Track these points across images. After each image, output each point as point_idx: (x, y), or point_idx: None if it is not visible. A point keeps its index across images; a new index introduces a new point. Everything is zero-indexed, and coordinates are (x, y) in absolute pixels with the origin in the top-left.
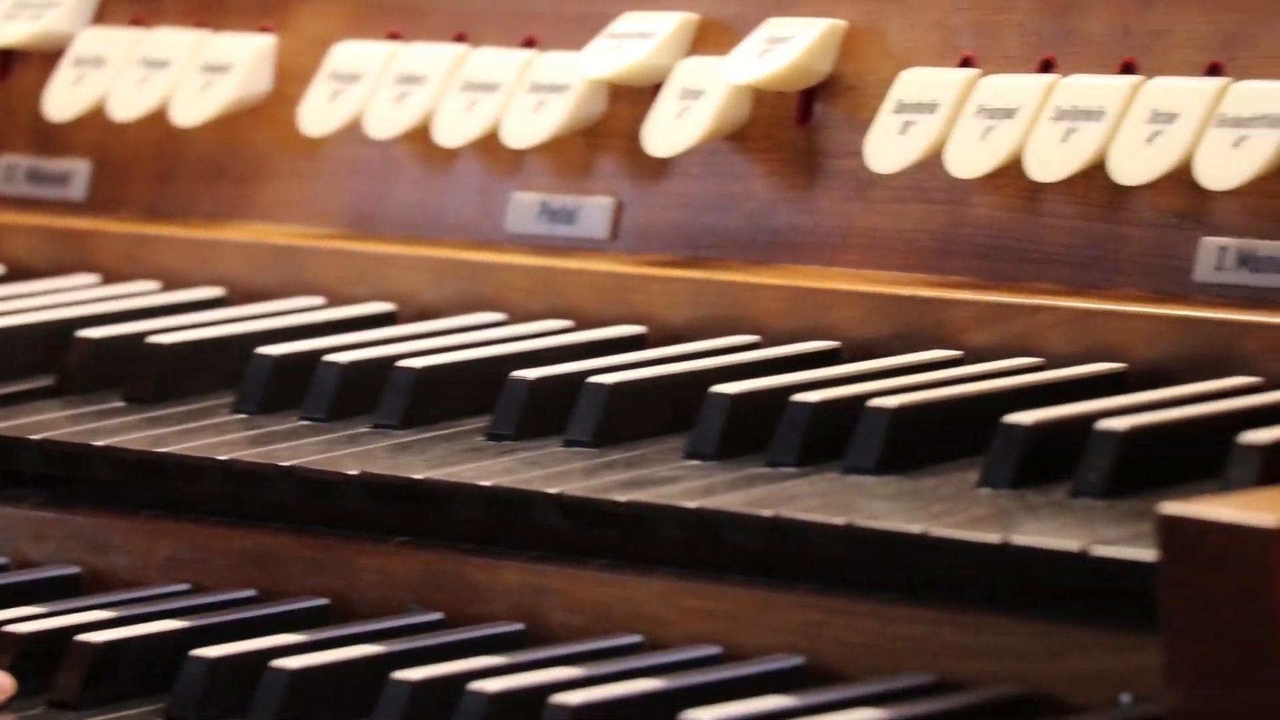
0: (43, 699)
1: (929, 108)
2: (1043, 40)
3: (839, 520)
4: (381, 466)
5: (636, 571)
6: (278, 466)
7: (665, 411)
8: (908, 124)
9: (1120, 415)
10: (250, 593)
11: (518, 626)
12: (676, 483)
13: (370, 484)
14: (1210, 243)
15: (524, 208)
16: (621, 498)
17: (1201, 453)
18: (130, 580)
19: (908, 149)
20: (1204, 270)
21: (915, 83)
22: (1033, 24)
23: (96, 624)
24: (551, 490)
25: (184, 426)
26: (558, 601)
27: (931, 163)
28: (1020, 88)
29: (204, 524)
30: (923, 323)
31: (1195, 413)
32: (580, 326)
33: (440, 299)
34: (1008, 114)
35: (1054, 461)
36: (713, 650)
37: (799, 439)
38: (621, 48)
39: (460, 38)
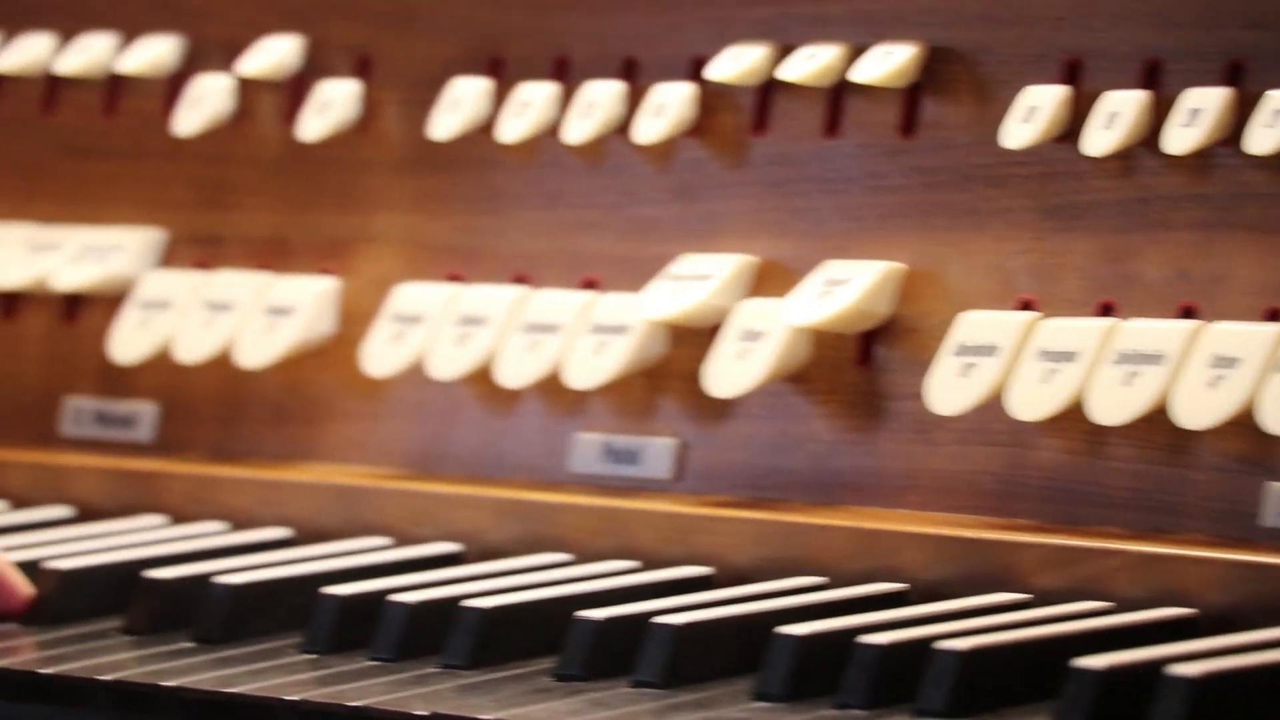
0: None
1: (989, 350)
2: (1101, 284)
3: None
4: (450, 707)
5: None
6: (346, 706)
7: (733, 653)
8: (968, 366)
9: (1192, 660)
10: None
11: None
12: None
13: None
14: (1277, 487)
15: (587, 448)
16: None
17: (1276, 700)
18: None
19: (969, 391)
20: (1272, 515)
21: (975, 325)
22: (1091, 268)
23: None
24: None
25: (252, 666)
26: None
27: (993, 405)
28: (1080, 331)
29: None
30: (989, 565)
31: (1268, 659)
32: (646, 567)
33: (505, 539)
34: (1068, 357)
35: (1125, 706)
36: None
37: (868, 681)
38: (681, 289)
39: (520, 279)
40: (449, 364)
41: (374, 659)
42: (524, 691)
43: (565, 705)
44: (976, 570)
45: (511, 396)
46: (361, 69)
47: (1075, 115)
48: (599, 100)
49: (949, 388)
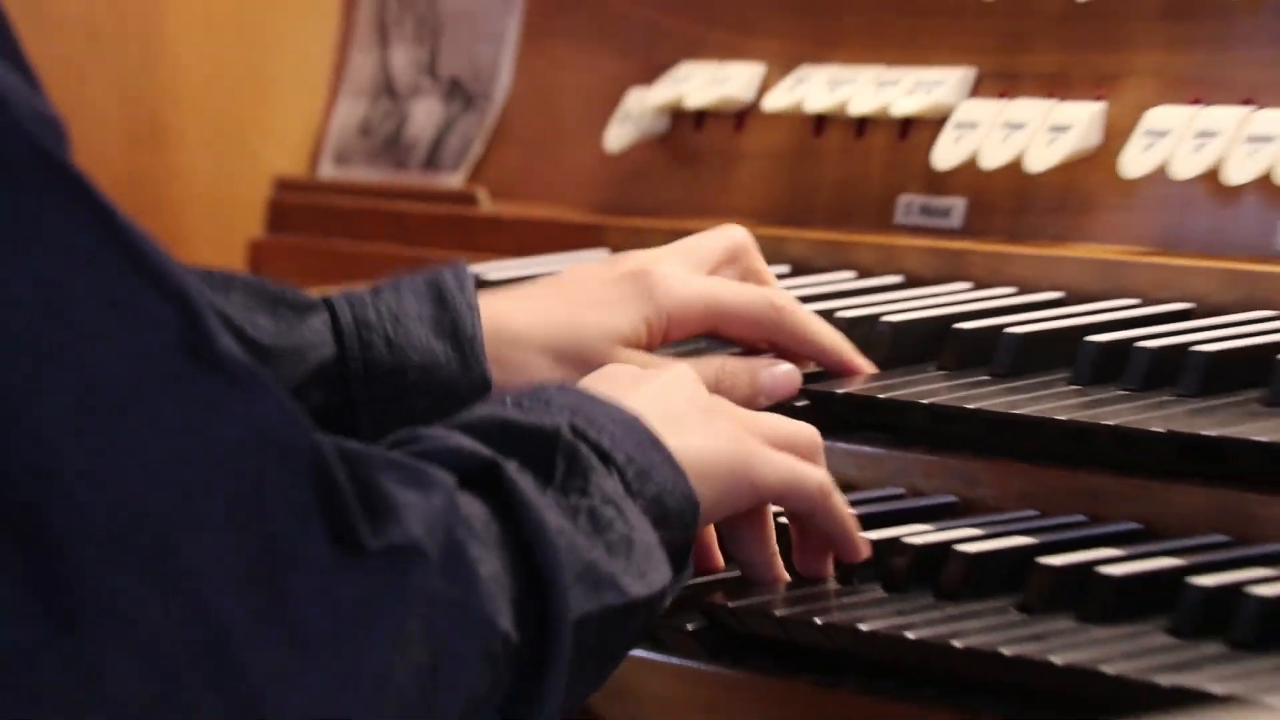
0: (930, 592)
1: None
2: None
3: None
4: (1181, 425)
5: None
6: (1103, 425)
7: None
8: None
9: None
10: (1079, 518)
11: None
12: None
13: (1174, 439)
14: None
15: None
16: None
17: None
18: (993, 508)
19: None
20: None
21: None
22: None
23: (969, 539)
24: None
25: (1032, 394)
26: None
27: None
28: None
29: (1046, 467)
30: None
31: None
32: None
33: (1227, 300)
34: None
35: None
36: None
37: None
38: None
39: (1248, 101)
40: (1186, 167)
41: (1123, 389)
42: (1239, 415)
43: (1274, 425)
44: None
45: (1232, 191)
46: None
47: None
48: None
49: None
